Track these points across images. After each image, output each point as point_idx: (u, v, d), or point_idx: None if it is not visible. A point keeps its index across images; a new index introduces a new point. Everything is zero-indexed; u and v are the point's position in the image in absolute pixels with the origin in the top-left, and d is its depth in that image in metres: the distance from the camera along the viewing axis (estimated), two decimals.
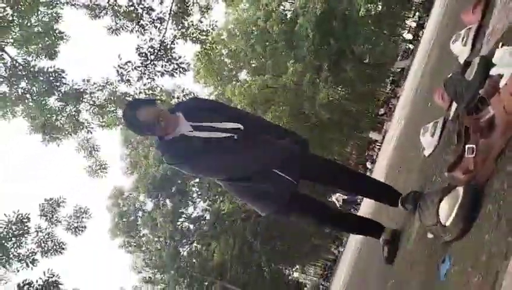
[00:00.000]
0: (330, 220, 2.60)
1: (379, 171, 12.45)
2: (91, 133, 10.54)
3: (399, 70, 24.71)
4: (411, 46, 24.34)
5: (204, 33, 11.50)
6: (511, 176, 1.21)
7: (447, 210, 1.46)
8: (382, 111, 26.50)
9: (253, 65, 24.92)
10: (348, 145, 29.52)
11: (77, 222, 10.79)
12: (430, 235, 1.74)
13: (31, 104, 9.66)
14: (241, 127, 2.30)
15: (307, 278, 36.55)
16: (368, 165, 25.91)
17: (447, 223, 1.46)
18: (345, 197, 21.85)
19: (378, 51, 22.41)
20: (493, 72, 1.54)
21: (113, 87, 10.33)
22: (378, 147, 24.25)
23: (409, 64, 20.57)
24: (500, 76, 1.48)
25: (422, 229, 1.87)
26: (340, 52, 20.65)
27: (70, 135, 10.22)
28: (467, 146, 1.40)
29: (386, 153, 12.48)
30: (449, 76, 2.19)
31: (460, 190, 1.43)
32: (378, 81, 26.11)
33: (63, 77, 9.91)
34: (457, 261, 1.41)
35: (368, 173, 24.95)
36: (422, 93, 6.18)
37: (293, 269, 33.27)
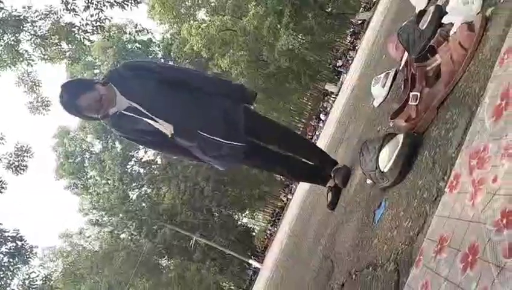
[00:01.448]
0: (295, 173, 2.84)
1: (331, 123, 12.73)
2: (32, 66, 9.79)
3: (360, 22, 24.63)
4: None
5: None
6: (447, 124, 1.22)
7: (386, 157, 1.47)
8: (340, 63, 26.67)
9: (212, 4, 23.85)
10: (304, 97, 29.79)
11: (18, 161, 10.33)
12: (369, 181, 1.78)
13: None
14: (171, 130, 2.27)
15: (256, 223, 37.96)
16: (322, 116, 26.41)
17: (385, 170, 1.48)
18: None
19: (341, 0, 22.15)
20: (445, 20, 1.51)
21: (57, 17, 9.50)
22: (333, 99, 24.65)
23: (370, 16, 20.51)
24: (452, 24, 1.45)
25: (363, 176, 1.91)
26: None
27: (9, 66, 9.43)
28: (411, 93, 1.39)
29: (339, 105, 12.71)
30: (403, 25, 2.15)
31: (400, 137, 1.44)
32: (338, 32, 26.03)
33: (1, 1, 8.96)
34: (391, 206, 1.45)
35: (320, 124, 25.53)
36: (379, 45, 6.21)
37: (243, 215, 34.34)
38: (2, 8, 9.04)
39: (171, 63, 24.08)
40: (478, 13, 1.36)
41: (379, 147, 1.53)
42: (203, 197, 25.55)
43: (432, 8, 1.89)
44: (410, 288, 0.95)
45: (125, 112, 2.24)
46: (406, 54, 2.38)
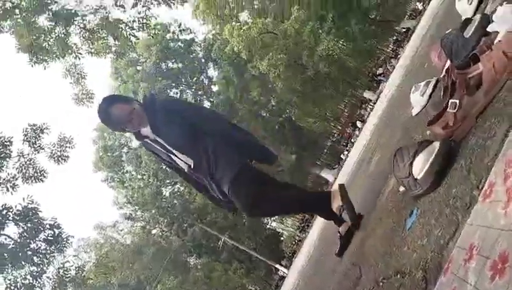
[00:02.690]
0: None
1: (367, 130, 12.51)
2: (79, 59, 10.21)
3: (404, 30, 24.07)
4: (420, 6, 23.58)
5: None
6: (485, 133, 1.20)
7: (421, 164, 1.45)
8: (380, 71, 26.15)
9: (255, 6, 24.00)
10: (341, 103, 29.41)
11: (60, 151, 10.73)
12: (401, 189, 1.76)
13: (19, 20, 9.22)
14: (191, 164, 2.43)
15: (285, 228, 37.67)
16: (358, 124, 25.98)
17: (418, 177, 1.46)
18: None
19: (387, 7, 21.70)
20: (490, 28, 1.47)
21: (106, 12, 9.87)
22: (371, 106, 24.19)
23: (415, 24, 20.01)
24: (497, 33, 1.42)
25: (396, 183, 1.88)
26: (347, 4, 19.92)
27: (58, 58, 9.88)
28: (450, 100, 1.37)
29: (377, 114, 12.48)
30: (447, 32, 2.11)
31: (436, 144, 1.42)
32: (381, 39, 25.53)
33: None
34: (423, 214, 1.43)
35: (356, 132, 25.10)
36: (422, 53, 6.07)
37: (271, 218, 34.19)
38: (56, 2, 9.48)
39: (211, 63, 24.41)
40: None
41: (414, 153, 1.51)
42: None
43: (477, 17, 1.85)
44: None
45: (149, 142, 2.49)
46: (449, 62, 2.33)
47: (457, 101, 1.34)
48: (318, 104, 25.41)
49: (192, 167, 2.44)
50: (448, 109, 1.38)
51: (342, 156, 27.93)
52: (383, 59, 26.86)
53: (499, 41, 1.31)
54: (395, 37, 26.31)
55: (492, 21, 1.58)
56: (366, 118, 23.04)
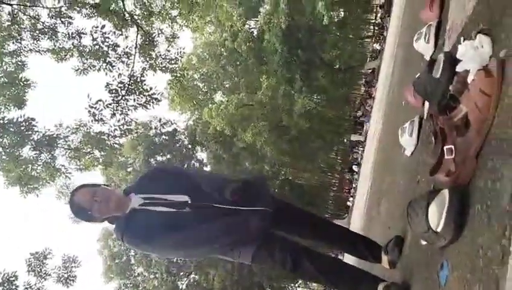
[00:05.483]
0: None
1: (366, 175, 12.50)
2: (69, 178, 10.30)
3: (370, 70, 25.13)
4: (378, 47, 24.87)
5: (173, 61, 11.52)
6: (492, 174, 1.17)
7: (436, 216, 1.41)
8: (360, 113, 26.82)
9: (226, 85, 25.03)
10: (332, 152, 29.70)
11: (67, 272, 10.48)
12: (423, 242, 1.69)
13: (4, 157, 9.41)
14: (188, 199, 2.10)
15: None
16: (354, 168, 26.04)
17: (438, 229, 1.41)
18: None
19: (347, 55, 22.82)
20: (459, 68, 1.51)
21: (86, 128, 10.18)
22: (361, 148, 24.46)
23: (378, 64, 20.93)
24: (467, 71, 1.45)
25: (415, 236, 1.82)
26: (310, 62, 20.94)
27: (48, 183, 9.97)
28: (445, 147, 1.36)
29: (369, 154, 12.58)
30: (417, 76, 2.17)
31: (445, 192, 1.38)
32: (351, 84, 26.50)
33: (35, 125, 9.73)
34: (455, 266, 1.37)
35: (355, 177, 25.10)
36: (395, 92, 6.25)
37: (295, 285, 32.80)
38: (37, 131, 9.77)
39: (198, 147, 24.78)
40: (491, 56, 1.35)
41: (425, 206, 1.47)
42: (252, 274, 24.77)
43: (441, 56, 1.91)
44: None
45: (138, 207, 2.11)
46: (427, 103, 2.38)
47: (452, 147, 1.33)
48: (310, 158, 25.59)
49: (189, 201, 2.10)
50: (445, 156, 1.37)
51: (348, 203, 27.62)
52: (360, 101, 27.69)
53: (473, 80, 1.34)
54: (363, 79, 27.38)
55: (457, 59, 1.63)
56: (361, 160, 23.17)
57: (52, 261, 10.50)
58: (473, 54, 1.44)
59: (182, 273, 26.88)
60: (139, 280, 26.44)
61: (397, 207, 2.98)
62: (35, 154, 9.75)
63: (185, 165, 24.46)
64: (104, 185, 2.27)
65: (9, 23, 9.86)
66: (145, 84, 10.57)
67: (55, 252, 10.53)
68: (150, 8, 11.40)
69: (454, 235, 1.35)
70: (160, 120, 23.15)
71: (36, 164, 9.73)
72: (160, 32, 11.73)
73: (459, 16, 2.12)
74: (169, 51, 11.52)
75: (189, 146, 25.37)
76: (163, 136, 24.47)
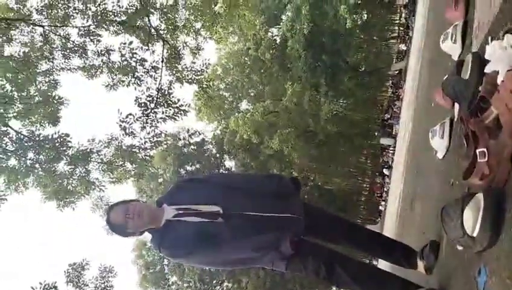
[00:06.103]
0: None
1: (397, 178, 12.24)
2: (103, 191, 10.60)
3: (397, 72, 24.69)
4: (404, 47, 24.43)
5: (198, 73, 11.70)
6: None
7: (471, 220, 1.38)
8: (388, 115, 26.35)
9: (252, 94, 25.17)
10: (361, 155, 29.28)
11: (104, 283, 10.72)
12: (459, 247, 1.66)
13: (41, 173, 9.78)
14: (219, 209, 2.10)
15: None
16: (385, 171, 25.54)
17: (475, 234, 1.38)
18: None
19: (372, 57, 22.53)
20: (488, 69, 1.48)
21: (118, 142, 10.44)
22: (392, 151, 23.97)
23: (405, 64, 20.54)
24: (496, 72, 1.43)
25: (450, 240, 1.78)
26: (334, 66, 20.79)
27: (84, 196, 10.28)
28: (477, 150, 1.34)
29: (400, 157, 12.32)
30: (446, 77, 2.14)
31: (480, 196, 1.36)
32: (378, 87, 26.11)
33: (69, 141, 10.06)
34: (493, 272, 1.34)
35: (386, 180, 24.61)
36: (423, 93, 6.13)
37: None
38: (71, 147, 10.11)
39: (226, 156, 24.99)
40: None
41: (460, 210, 1.44)
42: (284, 282, 24.60)
43: (469, 57, 1.88)
44: None
45: (171, 219, 2.14)
46: (456, 105, 2.33)
47: (485, 149, 1.31)
48: (339, 163, 25.31)
49: (221, 211, 2.11)
50: (478, 159, 1.34)
51: (380, 207, 27.06)
52: (387, 103, 27.20)
53: (502, 81, 1.31)
54: (390, 81, 26.91)
55: (485, 59, 1.60)
56: (391, 163, 22.70)
57: (90, 271, 10.77)
58: (502, 55, 1.41)
59: (214, 282, 27.01)
60: (173, 289, 26.77)
61: (431, 211, 2.91)
62: (70, 168, 10.10)
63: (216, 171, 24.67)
64: (134, 200, 2.32)
65: (42, 44, 10.32)
66: (172, 97, 10.77)
67: (92, 263, 10.78)
68: (174, 22, 11.65)
69: (491, 240, 1.32)
70: (188, 131, 23.56)
71: (71, 178, 10.09)
72: (185, 45, 11.99)
73: (485, 15, 2.08)
74: (194, 62, 11.74)
75: (217, 155, 25.61)
76: (192, 146, 24.84)
